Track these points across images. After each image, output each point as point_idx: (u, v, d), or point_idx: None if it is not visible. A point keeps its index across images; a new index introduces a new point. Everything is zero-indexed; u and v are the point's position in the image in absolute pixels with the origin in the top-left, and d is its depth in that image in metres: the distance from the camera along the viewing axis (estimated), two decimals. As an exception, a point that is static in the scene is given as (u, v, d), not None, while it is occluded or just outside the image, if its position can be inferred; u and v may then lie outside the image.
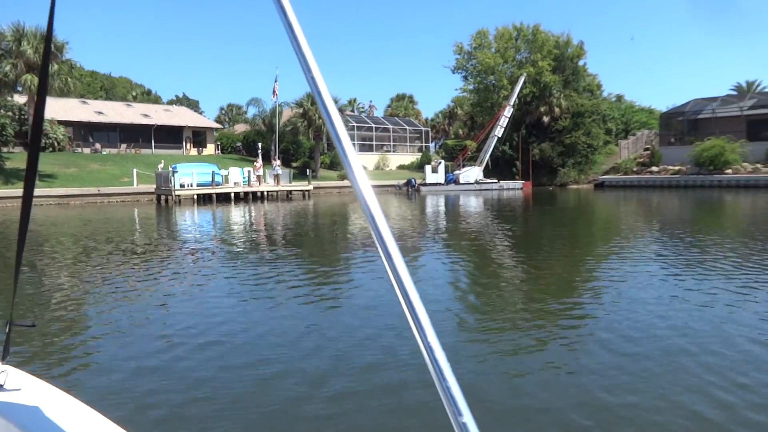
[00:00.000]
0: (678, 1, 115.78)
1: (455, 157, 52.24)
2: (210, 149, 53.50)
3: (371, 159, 54.80)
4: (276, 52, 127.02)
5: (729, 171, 39.60)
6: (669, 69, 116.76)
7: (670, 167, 43.03)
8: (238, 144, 55.94)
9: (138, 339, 6.05)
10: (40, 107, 1.52)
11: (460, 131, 68.39)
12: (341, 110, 49.58)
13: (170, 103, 70.95)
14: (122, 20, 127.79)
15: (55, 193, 32.02)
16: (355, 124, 54.36)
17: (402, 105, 72.46)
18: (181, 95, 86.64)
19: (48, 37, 1.51)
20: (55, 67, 32.17)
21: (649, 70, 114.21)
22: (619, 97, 64.95)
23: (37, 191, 31.05)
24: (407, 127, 60.88)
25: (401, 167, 56.19)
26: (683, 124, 47.15)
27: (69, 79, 32.93)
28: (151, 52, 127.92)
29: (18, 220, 1.62)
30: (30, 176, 1.48)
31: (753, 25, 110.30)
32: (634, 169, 45.37)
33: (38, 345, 5.83)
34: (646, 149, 49.64)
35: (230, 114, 78.14)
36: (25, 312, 7.22)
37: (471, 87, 54.99)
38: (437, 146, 65.10)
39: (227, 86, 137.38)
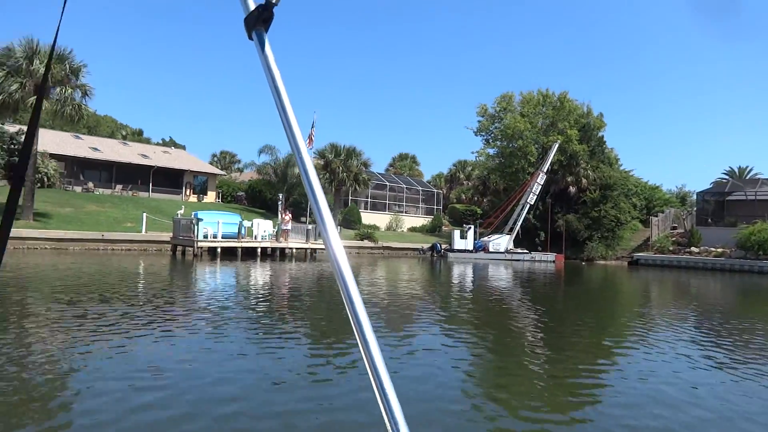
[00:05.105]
0: (682, 88, 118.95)
1: (464, 222, 49.01)
2: (211, 197, 49.11)
3: (383, 219, 51.20)
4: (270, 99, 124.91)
5: (779, 257, 37.38)
6: (669, 150, 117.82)
7: (712, 249, 40.73)
8: (241, 193, 51.60)
9: None
10: (31, 132, 1.10)
11: (463, 196, 65.71)
12: (365, 164, 46.16)
13: (157, 145, 66.40)
14: (109, 54, 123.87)
15: (52, 235, 27.14)
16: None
17: (405, 165, 69.67)
18: (167, 139, 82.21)
19: (50, 55, 0.84)
20: (68, 90, 27.96)
21: (654, 151, 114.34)
22: (627, 173, 63.72)
23: (31, 232, 26.19)
24: (419, 188, 57.82)
25: (413, 229, 52.70)
26: (721, 205, 45.43)
27: (82, 107, 28.56)
28: (136, 92, 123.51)
29: None
30: (8, 214, 0.90)
31: (736, 114, 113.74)
32: (671, 248, 42.93)
33: None
34: (674, 227, 47.66)
35: (223, 161, 73.93)
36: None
37: (490, 151, 52.67)
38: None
39: (217, 132, 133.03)
